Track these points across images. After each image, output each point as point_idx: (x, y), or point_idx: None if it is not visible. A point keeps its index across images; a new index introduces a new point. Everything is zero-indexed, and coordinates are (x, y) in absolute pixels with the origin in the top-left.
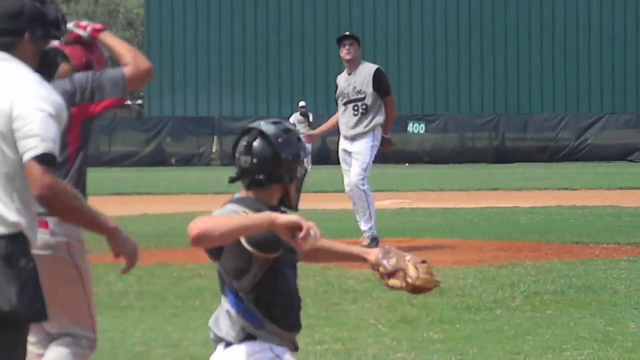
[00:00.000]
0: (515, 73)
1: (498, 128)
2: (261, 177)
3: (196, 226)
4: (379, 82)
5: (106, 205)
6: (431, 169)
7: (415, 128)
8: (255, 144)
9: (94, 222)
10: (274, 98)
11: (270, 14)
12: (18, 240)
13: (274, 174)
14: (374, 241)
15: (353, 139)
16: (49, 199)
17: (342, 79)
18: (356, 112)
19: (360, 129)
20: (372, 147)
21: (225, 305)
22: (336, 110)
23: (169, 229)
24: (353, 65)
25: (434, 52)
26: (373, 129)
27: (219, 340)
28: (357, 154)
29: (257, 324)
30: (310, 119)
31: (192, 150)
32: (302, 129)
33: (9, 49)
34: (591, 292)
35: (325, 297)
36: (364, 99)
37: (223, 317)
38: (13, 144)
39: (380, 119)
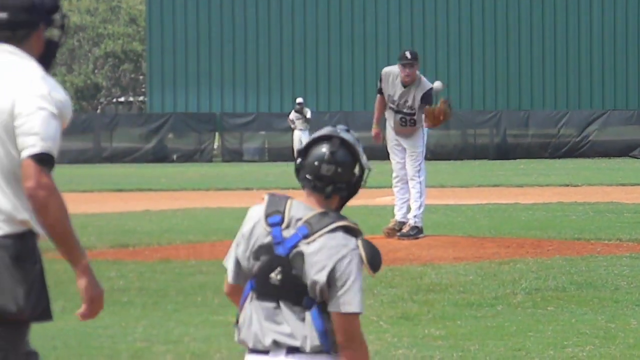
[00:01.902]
0: (517, 69)
1: (499, 124)
2: (343, 185)
3: None
4: (428, 99)
5: (107, 202)
6: (432, 165)
7: None
8: (340, 152)
9: (76, 246)
10: (276, 94)
11: (272, 10)
12: (26, 239)
13: (352, 182)
14: (414, 230)
15: (403, 137)
16: (42, 200)
17: (398, 87)
18: (404, 124)
19: (408, 132)
20: (424, 141)
21: (300, 315)
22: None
23: (171, 225)
24: (412, 81)
25: (436, 48)
26: (422, 125)
27: (276, 347)
28: (411, 148)
29: (331, 344)
30: (308, 115)
31: (193, 147)
32: (300, 126)
33: (22, 40)
34: (592, 289)
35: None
36: (414, 114)
37: (296, 325)
38: (14, 142)
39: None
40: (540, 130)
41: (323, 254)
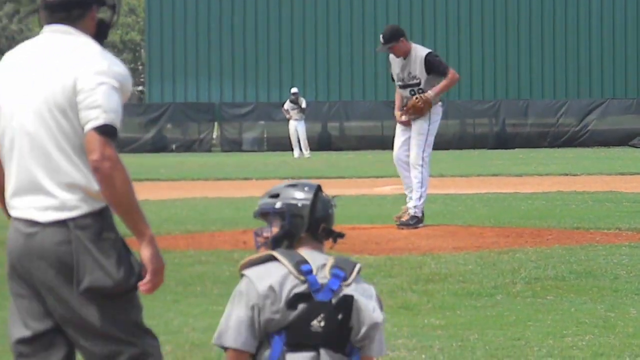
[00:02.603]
0: (516, 59)
1: (499, 114)
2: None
3: None
4: (431, 66)
5: None
6: (432, 154)
7: None
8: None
9: (140, 218)
10: (275, 84)
11: (271, 0)
12: (104, 214)
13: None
14: (413, 219)
15: (414, 116)
16: (106, 171)
17: (397, 63)
18: (411, 95)
19: (417, 110)
20: (429, 128)
21: None
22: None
23: (170, 215)
24: (404, 55)
25: (435, 37)
26: (428, 111)
27: None
28: (415, 134)
29: None
30: (303, 104)
31: (192, 137)
32: (295, 116)
33: (77, 20)
34: (592, 278)
35: None
36: (419, 84)
37: None
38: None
39: (438, 99)
40: (539, 120)
41: (366, 295)
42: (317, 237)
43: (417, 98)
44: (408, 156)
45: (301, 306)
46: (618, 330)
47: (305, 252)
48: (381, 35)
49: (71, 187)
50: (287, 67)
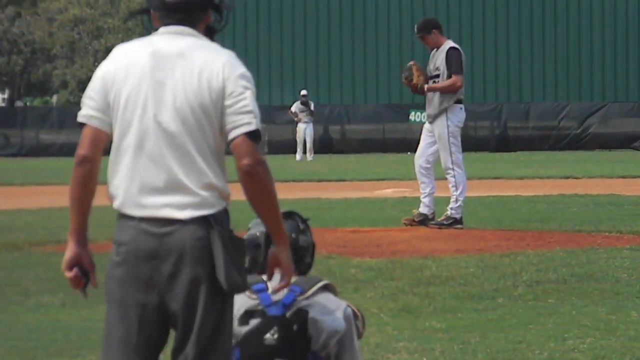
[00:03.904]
0: (518, 61)
1: (500, 116)
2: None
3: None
4: (449, 60)
5: None
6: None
7: (417, 117)
8: (305, 225)
9: (280, 220)
10: (277, 87)
11: (273, 2)
12: (228, 213)
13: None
14: (448, 220)
15: (431, 118)
16: (259, 175)
17: (431, 54)
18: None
19: (433, 109)
20: (449, 131)
21: None
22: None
23: None
24: (437, 47)
25: None
26: (446, 110)
27: None
28: (438, 139)
29: None
30: (312, 107)
31: None
32: (304, 118)
33: (196, 23)
34: (593, 281)
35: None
36: (438, 76)
37: None
38: (219, 121)
39: (451, 101)
40: (540, 122)
41: (327, 307)
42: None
43: (414, 82)
44: (429, 162)
45: (253, 321)
46: (619, 333)
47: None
48: (416, 25)
49: (209, 187)
50: (289, 70)
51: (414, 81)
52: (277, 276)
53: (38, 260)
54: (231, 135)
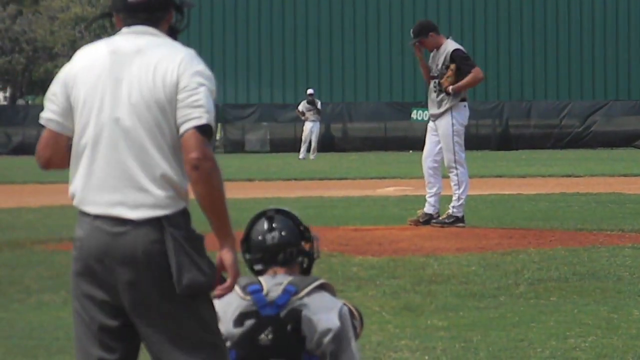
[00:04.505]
0: (519, 60)
1: (502, 115)
2: (294, 250)
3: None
4: (459, 62)
5: None
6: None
7: (419, 115)
8: (278, 217)
9: (228, 221)
10: (278, 85)
11: (275, 0)
12: (188, 213)
13: (303, 248)
14: (450, 218)
15: (435, 117)
16: (207, 171)
17: (431, 55)
18: (435, 89)
19: (437, 108)
20: (453, 130)
21: None
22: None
23: None
24: (436, 48)
25: None
26: (451, 108)
27: None
28: (442, 137)
29: None
30: (318, 105)
31: None
32: (311, 117)
33: (158, 22)
34: (595, 280)
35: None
36: (442, 76)
37: None
38: (175, 116)
39: (457, 99)
40: (542, 121)
41: (323, 306)
42: (286, 262)
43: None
44: (436, 161)
45: (248, 322)
46: (621, 331)
47: (265, 277)
48: (411, 30)
49: (165, 183)
50: (291, 68)
51: (442, 80)
52: (228, 280)
53: (40, 258)
54: (182, 130)
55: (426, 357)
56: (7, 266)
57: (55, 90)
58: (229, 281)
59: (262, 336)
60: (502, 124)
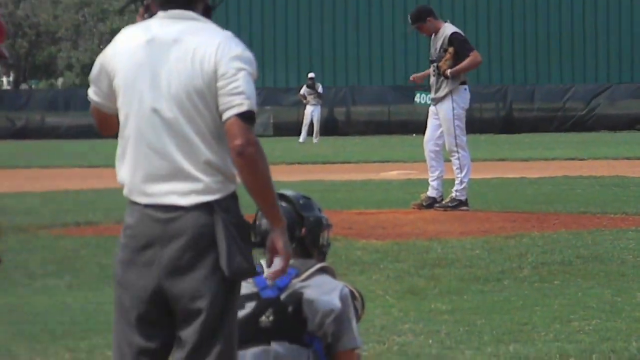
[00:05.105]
0: (522, 43)
1: (505, 98)
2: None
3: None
4: (457, 46)
5: (114, 178)
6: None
7: (423, 99)
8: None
9: (276, 204)
10: (282, 69)
11: None
12: (236, 197)
13: (297, 235)
14: (453, 202)
15: (435, 101)
16: (251, 156)
17: (431, 39)
18: (434, 73)
19: (438, 92)
20: (454, 113)
21: (297, 353)
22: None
23: None
24: (435, 33)
25: None
26: (451, 92)
27: None
28: (443, 121)
29: None
30: (320, 90)
31: None
32: (312, 101)
33: (195, 4)
34: (599, 263)
35: (333, 268)
36: (440, 60)
37: None
38: (215, 103)
39: (457, 82)
40: (545, 104)
41: (324, 288)
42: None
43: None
44: (438, 145)
45: (249, 305)
46: (625, 314)
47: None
48: (409, 16)
49: (212, 170)
50: (294, 52)
51: (440, 63)
52: (275, 262)
53: (44, 243)
54: (224, 117)
55: (430, 341)
56: (12, 251)
57: (97, 75)
58: (282, 264)
59: (263, 318)
60: (505, 108)
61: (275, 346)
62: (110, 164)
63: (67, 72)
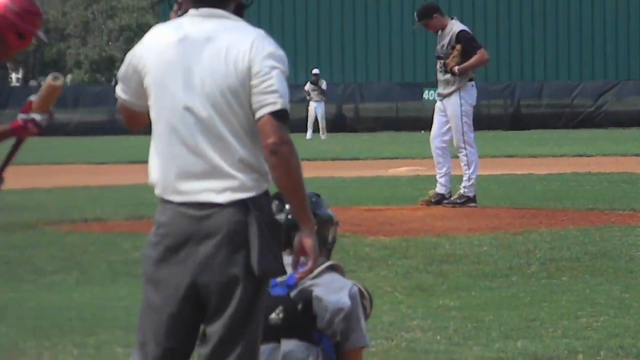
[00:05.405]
0: (531, 40)
1: (513, 95)
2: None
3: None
4: (465, 43)
5: (123, 174)
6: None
7: (431, 95)
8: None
9: (307, 204)
10: (289, 66)
11: None
12: (269, 196)
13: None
14: (462, 198)
15: (442, 98)
16: (285, 155)
17: (437, 35)
18: (441, 69)
19: (445, 88)
20: (462, 110)
21: (306, 350)
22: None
23: None
24: (441, 30)
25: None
26: (458, 89)
27: None
28: (450, 118)
29: None
30: (323, 86)
31: None
32: (315, 97)
33: (226, 3)
34: (607, 259)
35: (341, 265)
36: (448, 57)
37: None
38: (249, 101)
39: (465, 79)
40: (554, 101)
41: (333, 286)
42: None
43: (446, 62)
44: (444, 141)
45: None
46: (633, 311)
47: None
48: (415, 13)
49: (246, 167)
50: (302, 48)
51: (447, 60)
52: (303, 262)
53: (51, 239)
54: (257, 115)
55: (438, 337)
56: (19, 247)
57: (126, 72)
58: (309, 264)
59: (273, 316)
60: (513, 104)
61: (284, 343)
62: (119, 161)
63: (76, 69)
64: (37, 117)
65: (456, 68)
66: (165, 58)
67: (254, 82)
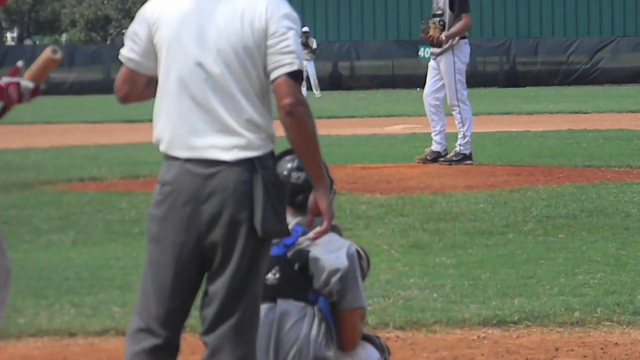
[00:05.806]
0: None
1: (509, 52)
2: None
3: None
4: (453, 1)
5: (118, 133)
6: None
7: (426, 52)
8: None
9: (322, 165)
10: None
11: None
12: (274, 156)
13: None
14: (458, 156)
15: (436, 55)
16: (301, 115)
17: None
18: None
19: (439, 45)
20: (455, 68)
21: (301, 311)
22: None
23: None
24: None
25: None
26: (452, 47)
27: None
28: (444, 76)
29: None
30: (314, 45)
31: None
32: (305, 56)
33: None
34: (603, 216)
35: (337, 223)
36: (442, 15)
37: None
38: (263, 61)
39: (457, 37)
40: (549, 58)
41: (330, 246)
42: (300, 205)
43: (430, 34)
44: (438, 99)
45: None
46: (629, 268)
47: None
48: None
49: (254, 127)
50: (298, 6)
51: (430, 33)
52: (318, 221)
53: (49, 198)
54: (273, 76)
55: (435, 295)
56: (16, 207)
57: (137, 29)
58: (324, 225)
59: (270, 275)
60: (509, 61)
61: (280, 303)
62: (115, 120)
63: (72, 28)
64: (23, 82)
65: (443, 35)
66: (181, 11)
67: (270, 42)
